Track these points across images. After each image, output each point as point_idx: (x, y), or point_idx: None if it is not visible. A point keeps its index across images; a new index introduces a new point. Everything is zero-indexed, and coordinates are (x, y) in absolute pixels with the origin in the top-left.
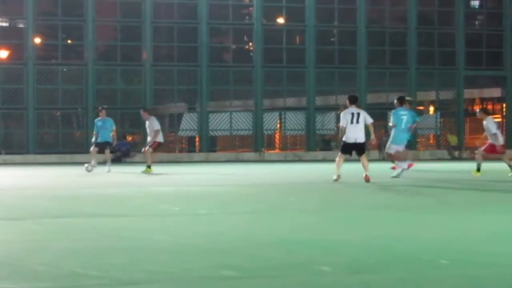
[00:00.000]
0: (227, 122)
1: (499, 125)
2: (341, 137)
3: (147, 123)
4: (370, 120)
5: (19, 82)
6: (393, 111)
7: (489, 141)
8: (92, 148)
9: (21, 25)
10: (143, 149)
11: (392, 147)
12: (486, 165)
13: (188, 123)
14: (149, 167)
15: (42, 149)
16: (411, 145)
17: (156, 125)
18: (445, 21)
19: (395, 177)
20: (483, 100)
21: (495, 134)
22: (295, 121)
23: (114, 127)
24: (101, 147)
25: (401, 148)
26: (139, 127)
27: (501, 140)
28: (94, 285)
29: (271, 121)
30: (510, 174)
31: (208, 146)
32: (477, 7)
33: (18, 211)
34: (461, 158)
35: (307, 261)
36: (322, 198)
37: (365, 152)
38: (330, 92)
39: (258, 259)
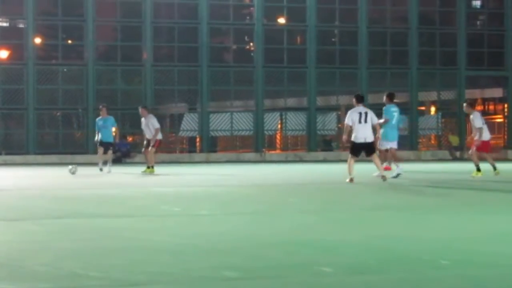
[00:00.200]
0: (227, 123)
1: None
2: (346, 137)
3: (143, 121)
4: (377, 120)
5: (19, 82)
6: (384, 107)
7: (477, 137)
8: (99, 150)
9: (21, 25)
10: (143, 150)
11: (384, 144)
12: (486, 165)
13: (189, 124)
14: (151, 167)
15: (42, 150)
16: (413, 145)
17: (156, 123)
18: (447, 21)
19: (394, 177)
20: (484, 100)
21: (480, 129)
22: (296, 122)
23: (115, 125)
24: (105, 146)
25: (394, 145)
26: (140, 127)
27: (486, 135)
28: (94, 286)
29: (272, 121)
30: (493, 174)
31: (209, 146)
32: (478, 7)
33: (18, 211)
34: (462, 159)
35: (308, 261)
36: (323, 199)
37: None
38: (331, 93)
39: (259, 259)
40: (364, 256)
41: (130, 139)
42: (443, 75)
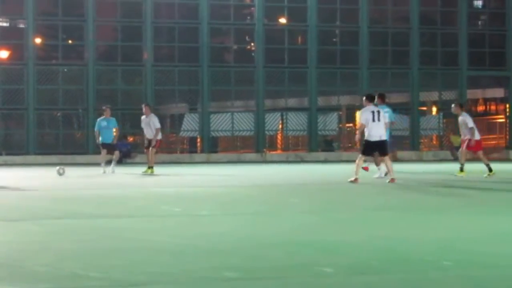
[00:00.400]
0: (228, 123)
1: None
2: (360, 136)
3: (144, 119)
4: (387, 119)
5: (20, 82)
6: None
7: (467, 137)
8: (102, 151)
9: (21, 25)
10: (145, 150)
11: None
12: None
13: (190, 124)
14: (151, 168)
15: (42, 150)
16: (415, 145)
17: (157, 123)
18: (448, 21)
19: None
20: (486, 100)
21: (471, 129)
22: (297, 122)
23: (117, 126)
24: (108, 148)
25: None
26: (140, 127)
27: (477, 135)
28: (94, 287)
29: (272, 121)
30: (485, 175)
31: (210, 147)
32: (480, 7)
33: (19, 212)
34: None
35: (309, 262)
36: (324, 199)
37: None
38: (332, 93)
39: (260, 260)
40: (365, 256)
41: (130, 139)
42: (445, 75)
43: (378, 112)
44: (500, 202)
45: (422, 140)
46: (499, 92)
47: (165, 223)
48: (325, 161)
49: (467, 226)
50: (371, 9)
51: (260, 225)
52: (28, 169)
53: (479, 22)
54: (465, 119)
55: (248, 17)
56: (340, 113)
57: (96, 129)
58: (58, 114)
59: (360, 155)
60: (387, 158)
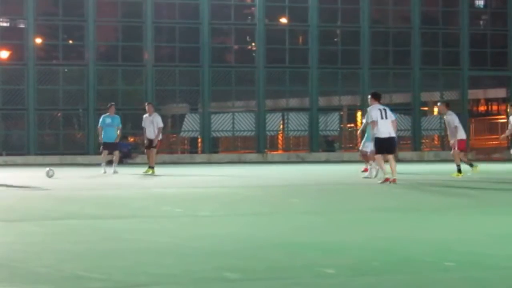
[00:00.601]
0: (229, 123)
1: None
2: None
3: (146, 118)
4: (394, 117)
5: (20, 82)
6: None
7: (457, 137)
8: (102, 152)
9: (21, 25)
10: (145, 150)
11: (367, 145)
12: (488, 166)
13: (190, 124)
14: (152, 168)
15: (42, 150)
16: (416, 146)
17: (160, 122)
18: (449, 21)
19: (366, 177)
20: (487, 100)
21: (456, 127)
22: (298, 122)
23: (120, 126)
24: (109, 148)
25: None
26: (141, 128)
27: (462, 134)
28: None
29: (273, 122)
30: (469, 173)
31: (210, 147)
32: (481, 6)
33: (19, 212)
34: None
35: (310, 263)
36: (325, 200)
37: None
38: (333, 93)
39: (261, 261)
40: (366, 257)
41: (131, 139)
42: (446, 75)
43: (385, 110)
44: (502, 203)
45: (423, 140)
46: (500, 92)
47: (166, 224)
48: (326, 162)
49: (468, 227)
50: (372, 9)
51: (261, 225)
52: (29, 170)
53: (481, 22)
54: (453, 118)
55: (249, 17)
56: (341, 113)
57: (100, 125)
58: (59, 114)
59: (377, 155)
60: (391, 157)
